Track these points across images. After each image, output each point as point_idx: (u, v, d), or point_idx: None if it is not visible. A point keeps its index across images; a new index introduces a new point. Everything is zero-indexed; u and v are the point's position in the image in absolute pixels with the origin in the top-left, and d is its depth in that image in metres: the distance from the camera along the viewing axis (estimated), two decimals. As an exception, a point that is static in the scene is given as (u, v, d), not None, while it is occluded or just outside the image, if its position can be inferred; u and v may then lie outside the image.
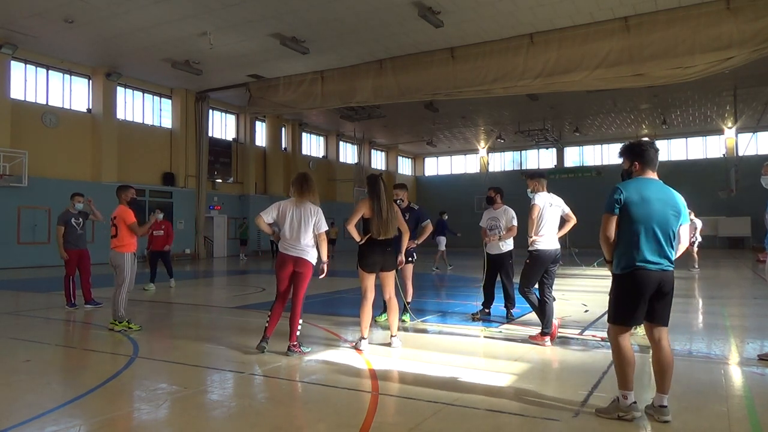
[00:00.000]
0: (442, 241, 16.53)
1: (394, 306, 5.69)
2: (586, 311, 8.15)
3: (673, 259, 3.59)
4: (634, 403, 3.49)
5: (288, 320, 5.43)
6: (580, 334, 6.38)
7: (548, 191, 6.26)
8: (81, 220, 8.75)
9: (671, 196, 3.62)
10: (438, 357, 5.32)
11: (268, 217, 5.46)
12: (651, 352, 3.63)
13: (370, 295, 5.60)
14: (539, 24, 15.78)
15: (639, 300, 3.49)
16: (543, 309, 5.93)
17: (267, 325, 5.46)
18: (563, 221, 6.34)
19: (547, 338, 5.79)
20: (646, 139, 4.13)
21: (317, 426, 3.52)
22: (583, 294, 10.35)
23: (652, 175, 3.67)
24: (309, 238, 5.42)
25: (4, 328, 7.14)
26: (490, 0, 14.55)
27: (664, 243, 3.52)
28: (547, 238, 6.03)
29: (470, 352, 5.59)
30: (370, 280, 5.56)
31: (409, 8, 15.07)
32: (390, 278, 5.67)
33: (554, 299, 6.23)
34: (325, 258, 5.60)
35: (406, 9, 15.14)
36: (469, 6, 14.91)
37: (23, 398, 4.06)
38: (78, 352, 5.71)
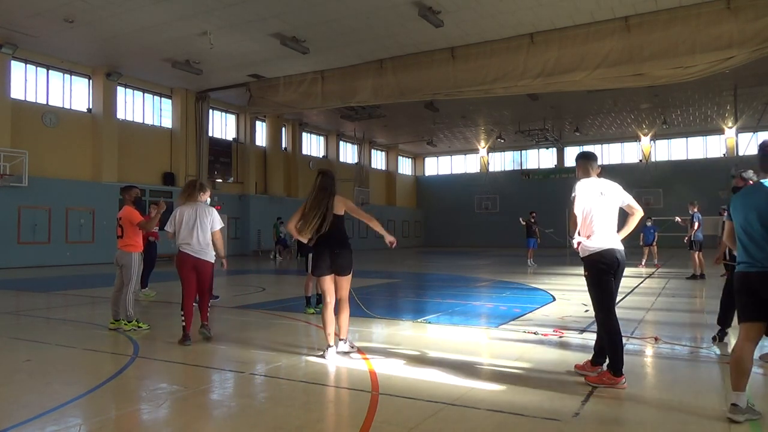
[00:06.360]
0: None
1: (343, 309, 5.29)
2: (587, 311, 8.13)
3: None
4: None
5: (197, 307, 6.12)
6: (580, 334, 6.37)
7: (600, 176, 4.69)
8: None
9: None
10: (438, 357, 5.32)
11: (169, 226, 5.95)
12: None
13: (329, 300, 5.31)
14: (539, 24, 15.78)
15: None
16: (615, 341, 4.34)
17: (184, 323, 5.86)
18: (625, 215, 4.64)
19: (623, 378, 4.24)
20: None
21: (317, 426, 3.52)
22: (583, 294, 10.30)
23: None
24: (207, 238, 5.92)
25: (5, 328, 7.15)
26: None
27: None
28: (599, 237, 4.41)
29: (470, 352, 5.58)
30: (324, 284, 5.30)
31: (409, 8, 15.07)
32: (342, 282, 5.28)
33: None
34: (222, 254, 6.20)
35: (406, 9, 15.13)
36: (469, 6, 14.90)
37: (23, 398, 4.06)
38: (78, 352, 5.70)
